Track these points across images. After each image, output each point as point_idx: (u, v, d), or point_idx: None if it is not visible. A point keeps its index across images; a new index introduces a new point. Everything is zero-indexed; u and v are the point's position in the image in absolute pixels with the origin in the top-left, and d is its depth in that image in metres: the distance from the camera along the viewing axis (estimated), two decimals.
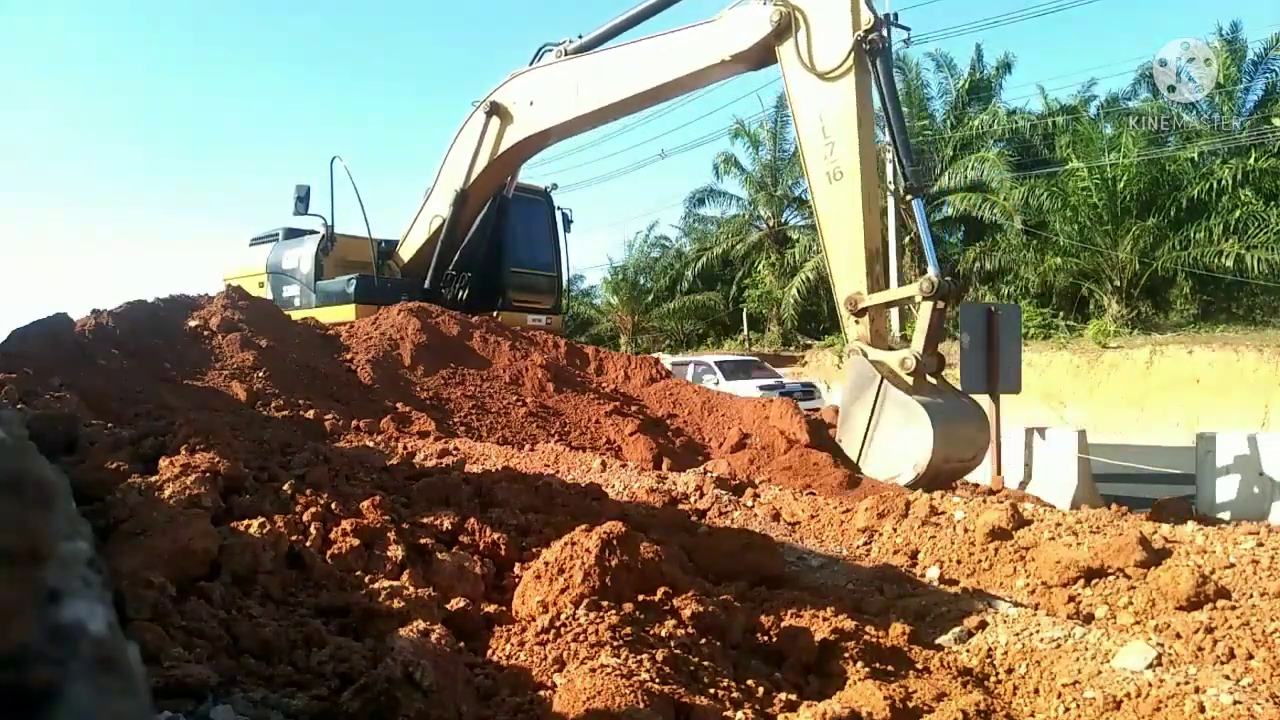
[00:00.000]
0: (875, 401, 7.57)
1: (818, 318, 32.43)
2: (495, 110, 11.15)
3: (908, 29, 28.10)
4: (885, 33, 7.86)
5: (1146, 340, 21.55)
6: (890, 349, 7.94)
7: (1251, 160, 22.76)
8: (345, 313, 11.66)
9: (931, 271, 7.58)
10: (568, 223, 13.97)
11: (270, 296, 12.47)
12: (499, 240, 12.78)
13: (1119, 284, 24.59)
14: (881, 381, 7.47)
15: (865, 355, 7.73)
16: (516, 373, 9.73)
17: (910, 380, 7.46)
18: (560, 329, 13.54)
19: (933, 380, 7.70)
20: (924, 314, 7.59)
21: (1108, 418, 19.16)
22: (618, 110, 10.48)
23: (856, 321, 8.01)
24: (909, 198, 8.35)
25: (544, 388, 9.48)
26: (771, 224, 34.09)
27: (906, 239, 28.31)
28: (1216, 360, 19.39)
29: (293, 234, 13.40)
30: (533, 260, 13.61)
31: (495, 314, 12.01)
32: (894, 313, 26.65)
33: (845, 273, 8.06)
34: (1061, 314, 25.01)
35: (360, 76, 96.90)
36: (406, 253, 12.62)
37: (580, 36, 10.60)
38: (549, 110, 10.72)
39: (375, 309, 11.03)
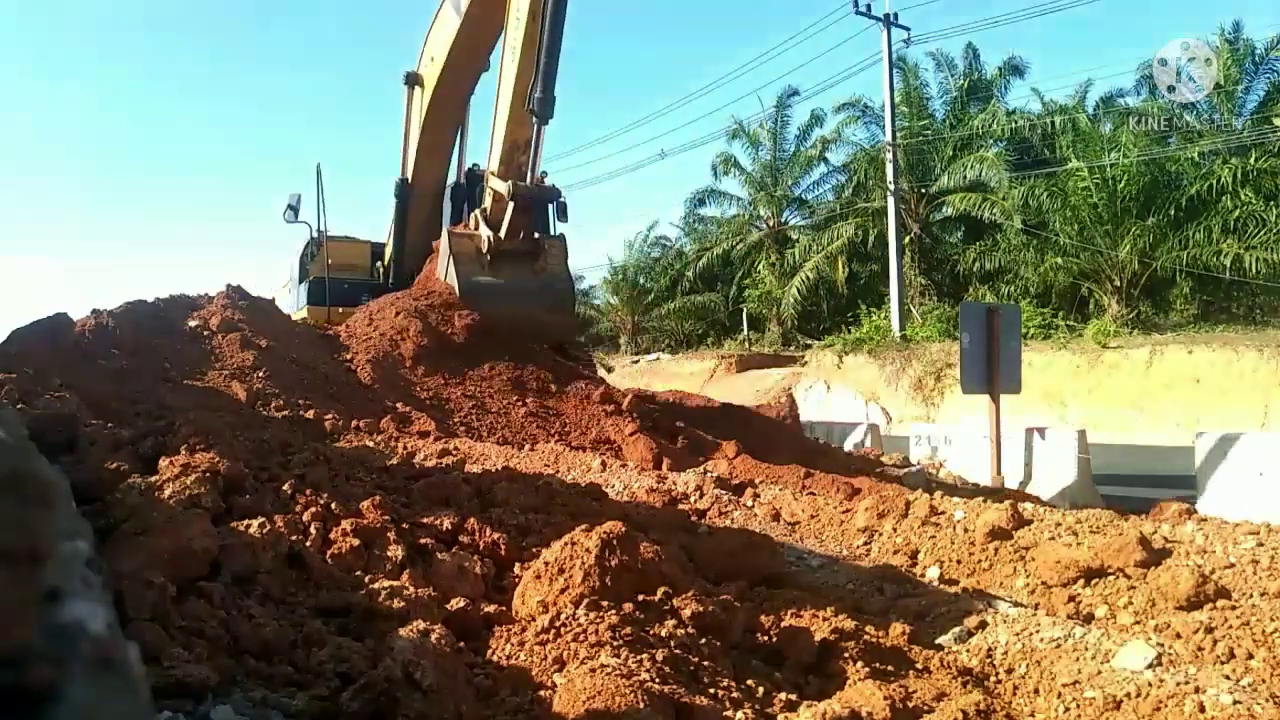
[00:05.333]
0: (445, 268, 10.13)
1: (818, 317, 32.41)
2: (415, 81, 11.47)
3: (907, 29, 28.16)
4: None
5: (1146, 340, 21.51)
6: (501, 223, 9.65)
7: (1252, 160, 22.75)
8: (309, 314, 12.43)
9: (513, 181, 9.24)
10: (562, 210, 13.47)
11: (291, 299, 13.43)
12: None
13: (1119, 284, 24.57)
14: (450, 259, 9.88)
15: (470, 226, 9.97)
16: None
17: (484, 255, 9.79)
18: None
19: (524, 264, 9.95)
20: (508, 211, 9.43)
21: (1108, 418, 19.15)
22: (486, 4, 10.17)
23: (487, 195, 9.74)
24: (535, 121, 8.88)
25: (544, 388, 9.47)
26: (771, 224, 34.07)
27: (907, 239, 28.30)
28: (1216, 360, 19.35)
29: (318, 241, 13.62)
30: None
31: None
32: (896, 311, 26.77)
33: (496, 151, 9.51)
34: (1061, 314, 24.97)
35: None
36: (388, 253, 13.01)
37: None
38: (441, 46, 10.85)
39: (325, 310, 11.91)
